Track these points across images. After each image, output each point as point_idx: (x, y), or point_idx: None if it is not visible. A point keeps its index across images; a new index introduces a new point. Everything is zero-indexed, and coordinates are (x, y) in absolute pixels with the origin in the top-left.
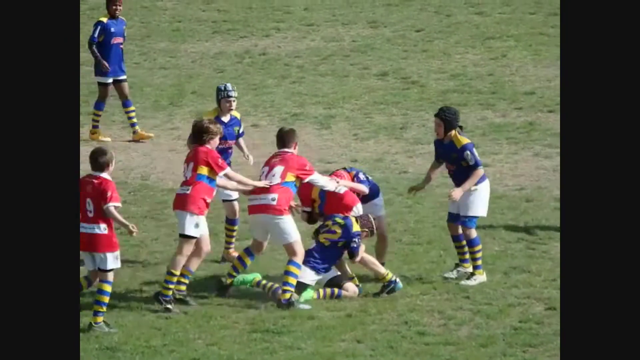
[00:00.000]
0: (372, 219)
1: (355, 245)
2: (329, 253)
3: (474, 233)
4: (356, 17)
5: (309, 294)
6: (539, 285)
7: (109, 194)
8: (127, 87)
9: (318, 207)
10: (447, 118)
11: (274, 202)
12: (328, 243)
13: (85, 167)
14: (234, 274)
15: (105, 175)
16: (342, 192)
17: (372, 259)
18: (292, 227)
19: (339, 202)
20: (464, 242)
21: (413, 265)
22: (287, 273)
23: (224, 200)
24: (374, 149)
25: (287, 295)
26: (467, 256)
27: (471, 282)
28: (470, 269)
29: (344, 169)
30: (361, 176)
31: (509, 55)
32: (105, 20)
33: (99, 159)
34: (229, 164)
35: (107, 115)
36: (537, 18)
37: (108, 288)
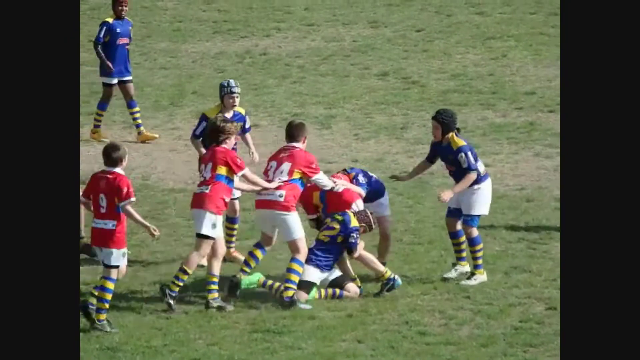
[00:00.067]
0: (369, 214)
1: (353, 241)
2: (329, 250)
3: (475, 232)
4: (357, 17)
5: (312, 293)
6: (540, 285)
7: (124, 190)
8: (132, 87)
9: (322, 211)
10: (444, 121)
11: (281, 199)
12: (327, 239)
13: (85, 167)
14: (247, 269)
15: (119, 170)
16: (340, 190)
17: (370, 257)
18: (297, 224)
19: (339, 200)
20: (462, 239)
21: (414, 265)
22: (290, 271)
23: None
24: (374, 149)
25: (290, 293)
26: (464, 254)
27: (472, 282)
28: (468, 267)
29: (344, 170)
30: (360, 178)
31: (509, 55)
32: (111, 20)
33: (112, 154)
34: None
35: (107, 115)
36: (537, 18)
37: (111, 285)
